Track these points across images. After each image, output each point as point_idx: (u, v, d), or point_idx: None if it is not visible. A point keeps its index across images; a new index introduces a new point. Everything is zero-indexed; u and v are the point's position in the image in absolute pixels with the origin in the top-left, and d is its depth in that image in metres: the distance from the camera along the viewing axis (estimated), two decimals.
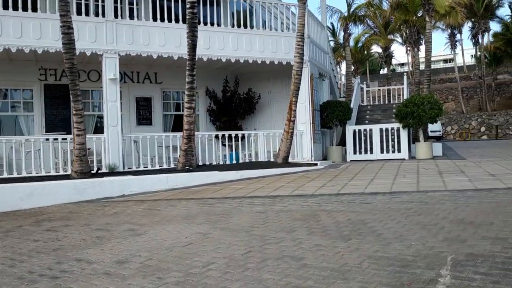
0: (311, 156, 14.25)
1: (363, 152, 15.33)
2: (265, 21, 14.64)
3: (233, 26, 13.57)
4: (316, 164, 13.19)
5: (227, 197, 8.74)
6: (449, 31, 49.37)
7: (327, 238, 5.12)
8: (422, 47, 23.67)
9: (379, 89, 22.08)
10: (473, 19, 44.15)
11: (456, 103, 47.83)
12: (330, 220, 6.08)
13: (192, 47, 11.06)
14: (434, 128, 33.77)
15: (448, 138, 39.53)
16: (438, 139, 33.99)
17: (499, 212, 5.83)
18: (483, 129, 39.20)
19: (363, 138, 15.48)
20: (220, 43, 13.18)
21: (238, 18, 14.00)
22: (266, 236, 5.42)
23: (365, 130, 15.55)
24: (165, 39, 12.47)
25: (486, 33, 44.75)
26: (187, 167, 11.34)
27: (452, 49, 51.97)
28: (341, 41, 24.83)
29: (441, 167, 11.25)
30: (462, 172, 10.11)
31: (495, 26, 71.15)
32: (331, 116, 15.48)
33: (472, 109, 46.36)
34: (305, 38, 13.76)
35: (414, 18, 22.60)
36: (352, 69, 25.63)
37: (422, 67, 27.11)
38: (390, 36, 37.32)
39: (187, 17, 11.03)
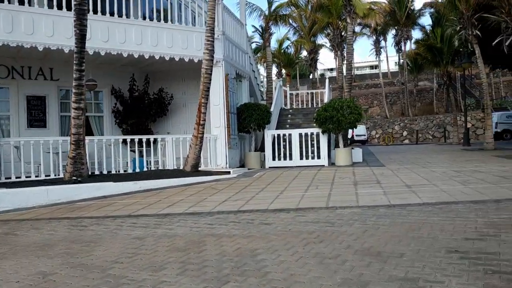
0: (226, 163, 13.15)
1: (282, 158, 14.45)
2: (180, 15, 13.29)
3: (137, 18, 12.10)
4: (229, 173, 12.07)
5: (109, 216, 7.34)
6: (375, 37, 50.74)
7: (199, 281, 3.94)
8: None
9: (302, 93, 21.45)
10: (396, 27, 45.48)
11: (380, 108, 49.09)
12: (215, 251, 4.92)
13: (81, 37, 9.52)
14: (359, 132, 34.02)
15: (373, 142, 40.19)
16: (363, 143, 34.30)
17: (412, 238, 4.97)
18: (405, 133, 40.27)
19: (282, 143, 14.60)
20: (121, 35, 11.71)
21: (144, 9, 12.51)
22: (123, 278, 4.14)
23: (284, 135, 14.68)
24: (54, 29, 10.80)
25: (409, 41, 46.28)
26: (75, 178, 9.76)
27: (377, 55, 53.52)
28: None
29: (358, 176, 10.53)
30: (378, 182, 9.40)
31: (417, 34, 74.45)
32: (249, 119, 14.44)
33: (395, 114, 47.77)
34: (218, 34, 12.64)
35: (337, 21, 22.25)
36: (276, 71, 24.85)
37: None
38: (317, 40, 37.23)
39: (74, 2, 9.48)
